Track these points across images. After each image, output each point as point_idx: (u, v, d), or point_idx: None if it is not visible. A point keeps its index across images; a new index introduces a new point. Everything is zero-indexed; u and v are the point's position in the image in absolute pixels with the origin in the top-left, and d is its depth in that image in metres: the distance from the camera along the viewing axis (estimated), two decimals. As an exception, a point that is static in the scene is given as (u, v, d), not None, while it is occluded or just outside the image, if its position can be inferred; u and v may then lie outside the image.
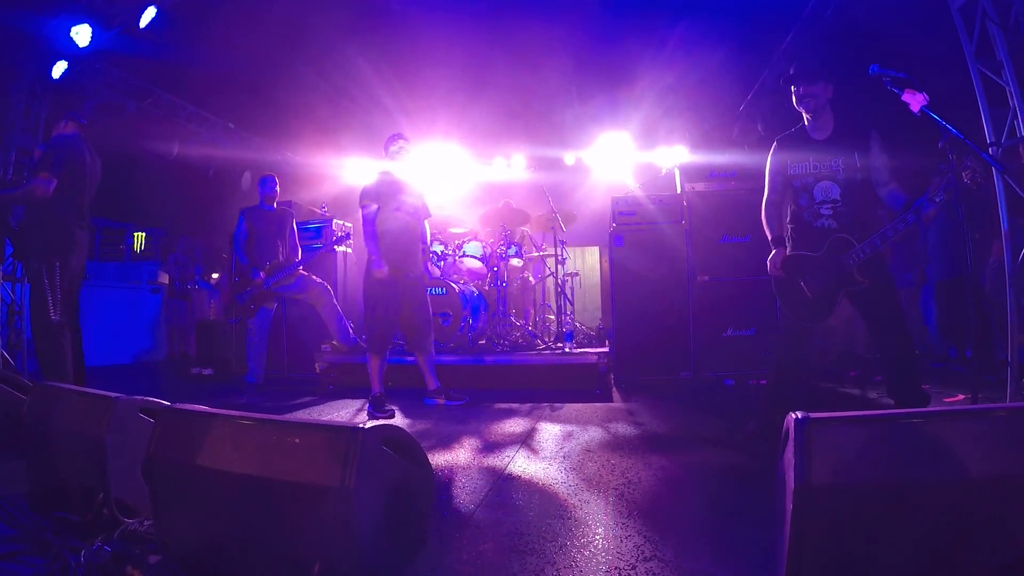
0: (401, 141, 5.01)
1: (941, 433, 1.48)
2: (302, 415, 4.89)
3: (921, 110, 3.10)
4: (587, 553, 2.07)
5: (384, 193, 4.89)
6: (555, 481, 2.93)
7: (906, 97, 3.14)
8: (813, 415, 1.51)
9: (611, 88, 8.38)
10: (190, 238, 10.37)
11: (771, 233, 3.76)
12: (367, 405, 4.87)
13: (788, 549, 1.46)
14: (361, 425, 1.72)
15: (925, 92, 3.11)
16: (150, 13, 5.77)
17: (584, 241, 11.02)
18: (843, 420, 1.51)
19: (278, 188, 6.30)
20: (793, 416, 1.52)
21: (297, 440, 1.79)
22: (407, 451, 1.95)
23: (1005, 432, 1.45)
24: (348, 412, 5.03)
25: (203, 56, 7.07)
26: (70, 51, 5.98)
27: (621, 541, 2.16)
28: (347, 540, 1.67)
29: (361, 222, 4.89)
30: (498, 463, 3.29)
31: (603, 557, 2.03)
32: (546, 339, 6.86)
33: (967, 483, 1.42)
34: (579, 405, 5.04)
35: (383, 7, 6.56)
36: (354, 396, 5.63)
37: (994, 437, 1.45)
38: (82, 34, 5.76)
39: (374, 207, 4.85)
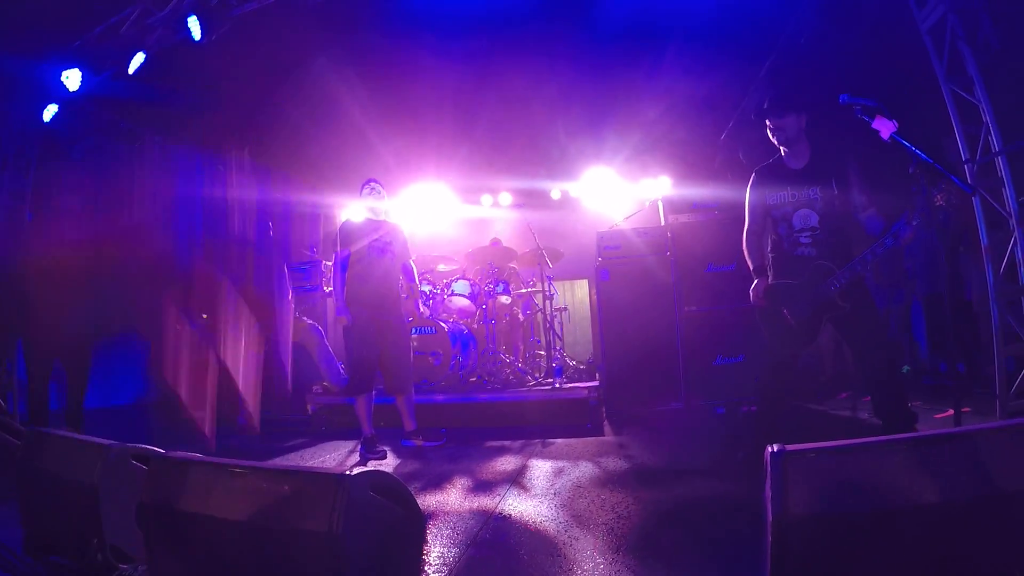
0: (370, 184, 5.13)
1: (916, 459, 1.51)
2: (294, 458, 4.87)
3: (891, 137, 3.18)
4: (578, 590, 2.08)
5: (351, 236, 4.99)
6: (545, 518, 2.94)
7: (876, 125, 3.21)
8: (789, 447, 1.54)
9: (595, 122, 8.47)
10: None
11: (752, 263, 3.80)
12: (359, 446, 4.85)
13: (769, 581, 1.48)
14: (348, 472, 1.75)
15: (898, 115, 3.18)
16: (139, 59, 5.84)
17: (572, 275, 11.05)
18: (818, 451, 1.54)
19: (272, 232, 6.34)
20: (770, 449, 1.55)
21: (286, 487, 1.81)
22: (396, 496, 1.97)
23: (981, 455, 1.48)
24: (340, 454, 5.01)
25: (193, 99, 7.15)
26: (61, 95, 6.04)
27: (611, 577, 2.17)
28: (337, 586, 1.68)
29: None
30: (489, 502, 3.29)
31: (593, 594, 2.04)
32: (536, 375, 6.86)
33: (943, 508, 1.45)
34: (570, 440, 5.04)
35: (370, 48, 6.67)
36: (346, 437, 5.60)
37: (970, 460, 1.48)
38: (72, 78, 5.83)
39: (341, 252, 4.96)
